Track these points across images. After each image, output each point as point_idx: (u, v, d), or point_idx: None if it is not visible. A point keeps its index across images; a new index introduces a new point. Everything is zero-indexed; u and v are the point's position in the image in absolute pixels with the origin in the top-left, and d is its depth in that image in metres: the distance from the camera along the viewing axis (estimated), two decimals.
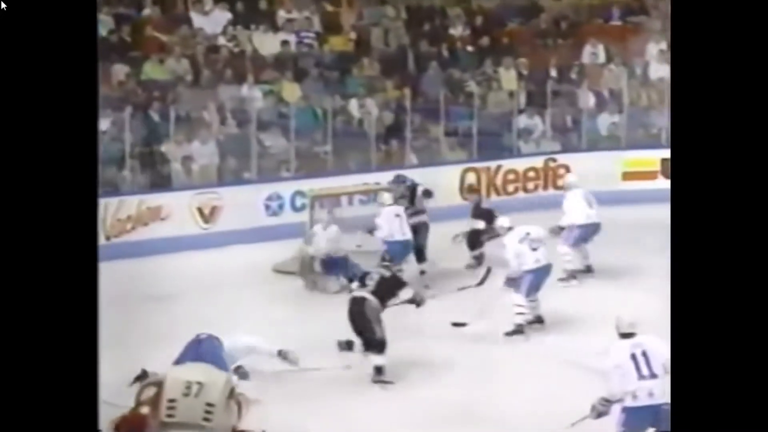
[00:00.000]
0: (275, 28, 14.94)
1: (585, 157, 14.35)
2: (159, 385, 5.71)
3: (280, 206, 12.61)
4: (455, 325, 9.37)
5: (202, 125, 13.05)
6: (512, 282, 9.43)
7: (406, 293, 8.67)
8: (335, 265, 10.73)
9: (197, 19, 14.63)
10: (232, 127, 13.32)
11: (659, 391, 6.22)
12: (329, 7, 15.66)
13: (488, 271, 9.88)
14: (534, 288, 9.44)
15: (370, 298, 8.49)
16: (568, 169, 14.28)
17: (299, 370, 8.20)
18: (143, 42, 14.05)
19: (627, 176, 14.27)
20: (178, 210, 12.14)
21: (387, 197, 11.14)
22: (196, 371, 5.86)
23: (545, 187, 14.25)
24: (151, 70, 13.64)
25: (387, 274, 8.82)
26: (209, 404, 5.55)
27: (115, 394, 5.87)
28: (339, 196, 12.29)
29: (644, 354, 6.36)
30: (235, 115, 13.35)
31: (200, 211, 12.35)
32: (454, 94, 14.59)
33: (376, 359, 8.35)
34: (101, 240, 11.30)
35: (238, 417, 5.81)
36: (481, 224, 11.28)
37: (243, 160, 12.94)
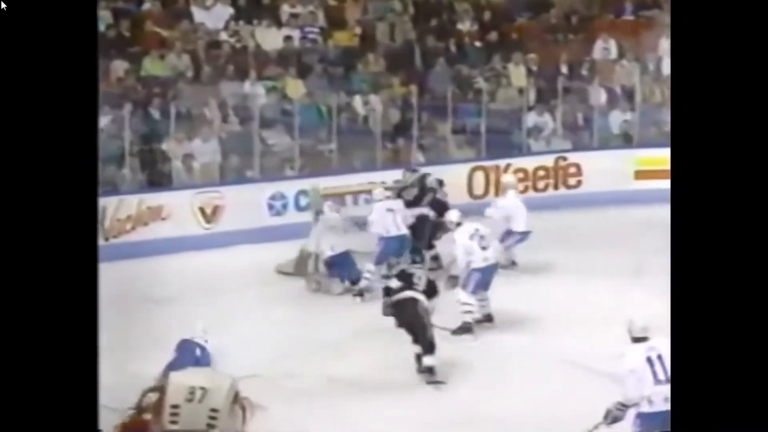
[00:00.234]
0: (278, 23, 14.92)
1: (596, 155, 14.33)
2: (161, 390, 5.70)
3: (284, 206, 12.60)
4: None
5: (203, 122, 13.04)
6: (454, 280, 9.47)
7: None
8: (339, 265, 10.71)
9: (198, 14, 14.61)
10: (235, 124, 13.30)
11: None
12: (333, 2, 15.62)
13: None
14: (482, 286, 9.46)
15: (422, 299, 8.53)
16: (579, 168, 14.29)
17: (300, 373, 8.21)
18: (143, 37, 14.03)
19: (639, 175, 14.22)
20: (179, 210, 12.13)
21: (378, 192, 11.13)
22: (200, 376, 5.85)
23: (556, 187, 14.22)
24: (151, 66, 13.62)
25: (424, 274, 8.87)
26: (213, 410, 5.55)
27: (115, 398, 5.87)
28: (343, 196, 12.28)
29: (660, 358, 6.34)
30: (237, 112, 13.34)
31: (202, 210, 12.34)
32: (462, 91, 14.56)
33: (429, 360, 8.36)
34: (100, 241, 11.32)
35: (243, 422, 5.80)
36: (430, 213, 11.14)
37: (246, 159, 12.92)
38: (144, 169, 12.49)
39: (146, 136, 12.65)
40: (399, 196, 11.33)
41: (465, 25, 15.80)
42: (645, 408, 6.36)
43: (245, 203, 12.46)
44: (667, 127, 14.72)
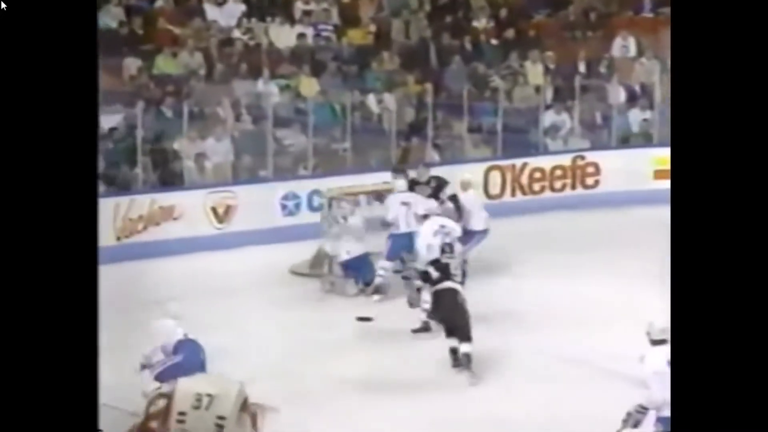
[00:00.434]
0: (292, 20, 14.99)
1: (615, 154, 14.33)
2: (169, 397, 5.73)
3: (297, 206, 12.64)
4: (360, 319, 9.44)
5: (216, 121, 13.11)
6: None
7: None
8: (355, 267, 10.75)
9: (211, 11, 14.70)
10: (248, 123, 13.36)
11: None
12: None
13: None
14: None
15: (461, 289, 8.58)
16: (597, 168, 14.28)
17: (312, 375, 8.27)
18: (155, 35, 14.13)
19: (659, 175, 14.18)
20: (191, 209, 12.19)
21: (400, 183, 11.08)
22: (207, 382, 5.87)
23: (573, 187, 14.22)
24: (163, 63, 13.71)
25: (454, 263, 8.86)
26: (220, 417, 5.57)
27: (115, 398, 5.89)
28: (357, 196, 12.29)
29: None
30: (250, 111, 13.41)
31: (214, 210, 12.40)
32: (478, 89, 14.58)
33: (466, 347, 8.44)
34: (112, 241, 11.40)
35: (252, 429, 5.82)
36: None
37: (258, 158, 12.97)
38: (156, 168, 12.56)
39: (158, 135, 12.73)
40: (411, 190, 11.25)
41: (481, 23, 15.82)
42: (666, 412, 6.36)
43: (258, 203, 12.51)
44: None
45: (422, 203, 10.75)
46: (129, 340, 8.03)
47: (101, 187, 12.05)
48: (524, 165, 14.01)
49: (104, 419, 4.43)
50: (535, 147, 14.49)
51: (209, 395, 5.61)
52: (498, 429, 7.62)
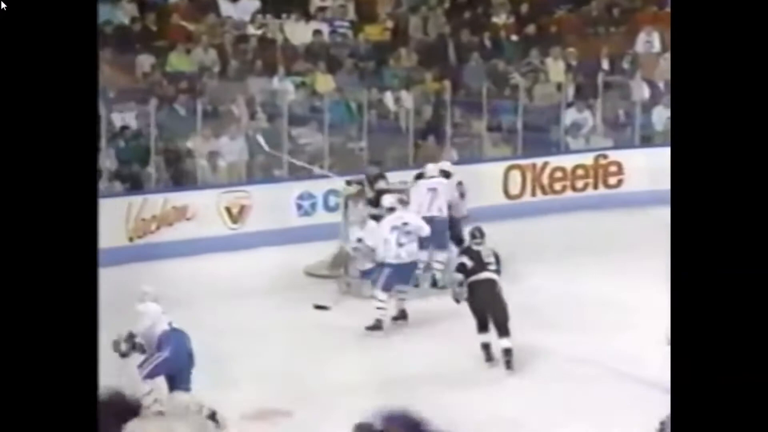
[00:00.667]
0: (307, 16, 15.03)
1: (638, 153, 14.29)
2: None
3: (313, 206, 12.66)
4: (317, 307, 9.50)
5: (230, 119, 13.15)
6: (368, 273, 9.56)
7: None
8: (374, 270, 10.74)
9: (225, 7, 14.76)
10: (262, 121, 13.40)
11: None
12: None
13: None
14: (390, 285, 9.49)
15: (498, 279, 8.52)
16: (620, 167, 14.25)
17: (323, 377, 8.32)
18: (169, 31, 14.19)
19: None
20: (204, 209, 12.24)
21: (431, 168, 11.06)
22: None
23: (595, 186, 14.20)
24: (176, 60, 13.77)
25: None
26: None
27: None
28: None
29: None
30: (265, 109, 13.45)
31: (228, 210, 12.44)
32: (498, 87, 14.58)
33: (506, 342, 8.43)
34: (124, 242, 11.47)
35: None
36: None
37: (273, 157, 13.02)
38: (169, 167, 12.61)
39: (172, 134, 12.78)
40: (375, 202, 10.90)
41: (501, 18, 15.81)
42: None
43: (273, 203, 12.54)
44: None
45: (445, 194, 10.71)
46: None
47: (114, 187, 12.16)
48: (545, 164, 14.00)
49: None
50: (556, 146, 14.47)
51: None
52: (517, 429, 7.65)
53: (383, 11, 15.61)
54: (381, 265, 9.64)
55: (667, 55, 15.43)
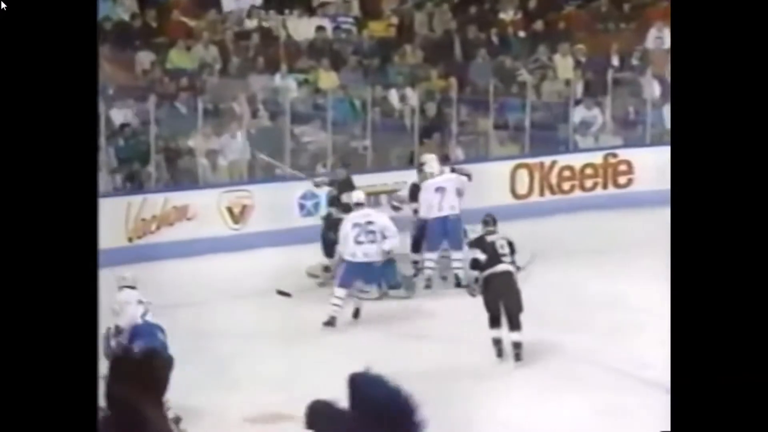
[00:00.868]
0: (310, 12, 15.08)
1: (649, 152, 14.26)
2: None
3: (316, 205, 12.66)
4: (279, 293, 9.62)
5: (231, 117, 13.19)
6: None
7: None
8: (380, 272, 10.78)
9: (227, 3, 14.80)
10: (264, 119, 13.45)
11: None
12: None
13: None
14: (347, 282, 9.56)
15: (514, 271, 8.49)
16: (630, 166, 14.25)
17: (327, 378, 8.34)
18: (169, 27, 14.25)
19: None
20: (205, 209, 12.27)
21: (428, 158, 11.19)
22: None
23: (605, 186, 14.21)
24: (177, 57, 13.82)
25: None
26: None
27: None
28: (378, 195, 12.35)
29: None
30: (267, 107, 13.49)
31: (230, 210, 12.47)
32: (505, 84, 14.60)
33: (517, 336, 8.44)
34: (123, 242, 11.50)
35: None
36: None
37: (276, 155, 13.05)
38: (169, 166, 12.65)
39: (172, 132, 12.82)
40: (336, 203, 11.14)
41: (508, 14, 15.84)
42: None
43: (275, 203, 12.57)
44: None
45: (454, 191, 10.81)
46: None
47: (112, 186, 12.19)
48: (553, 163, 14.01)
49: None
50: (564, 144, 14.49)
51: None
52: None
53: (388, 7, 15.65)
54: (341, 261, 9.71)
55: None
